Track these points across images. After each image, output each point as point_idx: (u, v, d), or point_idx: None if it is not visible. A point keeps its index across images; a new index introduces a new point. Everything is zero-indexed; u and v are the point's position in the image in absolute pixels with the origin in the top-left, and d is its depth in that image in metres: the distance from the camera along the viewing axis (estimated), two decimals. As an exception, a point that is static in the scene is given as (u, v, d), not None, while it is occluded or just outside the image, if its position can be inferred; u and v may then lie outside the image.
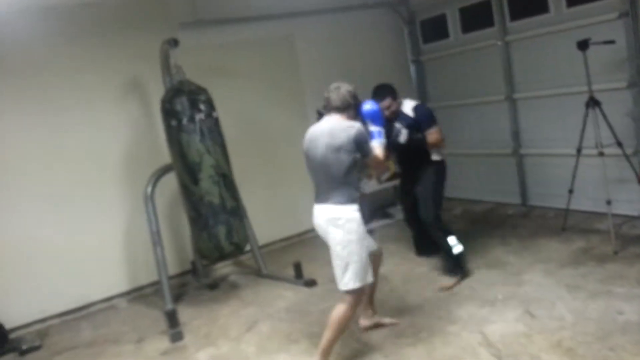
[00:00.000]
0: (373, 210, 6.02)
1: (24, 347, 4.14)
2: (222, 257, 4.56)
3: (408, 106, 4.31)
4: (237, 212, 4.43)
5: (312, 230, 6.03)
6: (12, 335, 4.38)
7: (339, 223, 3.05)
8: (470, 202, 6.19)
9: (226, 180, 4.33)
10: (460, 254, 4.16)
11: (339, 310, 3.05)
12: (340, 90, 3.20)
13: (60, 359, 3.93)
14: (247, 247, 5.00)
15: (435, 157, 4.29)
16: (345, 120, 3.14)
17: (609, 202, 4.18)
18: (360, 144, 3.04)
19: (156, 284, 4.69)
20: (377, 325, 3.54)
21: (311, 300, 4.21)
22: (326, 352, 3.09)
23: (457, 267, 4.15)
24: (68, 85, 4.69)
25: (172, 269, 4.97)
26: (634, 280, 3.59)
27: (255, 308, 4.27)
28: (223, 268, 5.36)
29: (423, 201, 4.23)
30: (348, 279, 3.04)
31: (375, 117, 3.28)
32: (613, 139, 4.27)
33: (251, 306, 4.32)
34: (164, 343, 3.90)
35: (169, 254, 4.70)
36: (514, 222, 5.31)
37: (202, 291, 4.84)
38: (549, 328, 3.17)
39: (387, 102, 4.18)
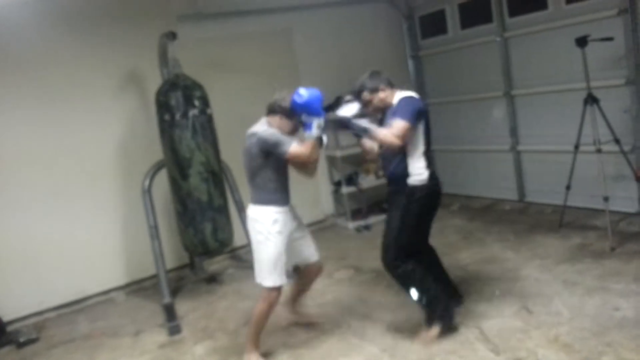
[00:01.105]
0: (370, 206, 6.04)
1: (21, 339, 4.13)
2: (207, 253, 4.61)
3: (397, 98, 3.27)
4: (223, 210, 4.45)
5: (310, 224, 6.09)
6: (10, 328, 4.37)
7: (250, 222, 3.23)
8: (468, 198, 6.20)
9: (215, 177, 4.35)
10: (431, 302, 3.23)
11: (257, 304, 3.25)
12: (275, 95, 3.26)
13: (58, 352, 3.92)
14: (244, 242, 5.02)
15: (413, 179, 3.17)
16: (265, 124, 3.20)
17: (606, 199, 4.20)
18: (264, 149, 3.09)
19: (154, 277, 4.68)
20: (300, 322, 3.69)
21: (309, 295, 4.19)
22: (251, 345, 3.28)
23: (431, 316, 3.24)
24: (65, 78, 4.67)
25: (170, 262, 4.97)
26: (630, 276, 3.61)
27: (253, 302, 4.20)
28: (220, 262, 5.36)
29: (383, 240, 3.32)
30: (258, 275, 3.21)
31: (308, 107, 2.98)
32: (611, 136, 4.28)
33: (249, 300, 4.31)
34: (161, 336, 3.91)
35: (166, 248, 4.70)
36: (511, 218, 5.33)
37: (200, 285, 4.85)
38: (546, 323, 3.19)
39: (365, 94, 3.31)
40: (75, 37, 4.69)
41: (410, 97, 3.23)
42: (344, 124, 3.26)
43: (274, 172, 3.17)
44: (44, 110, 4.60)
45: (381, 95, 3.27)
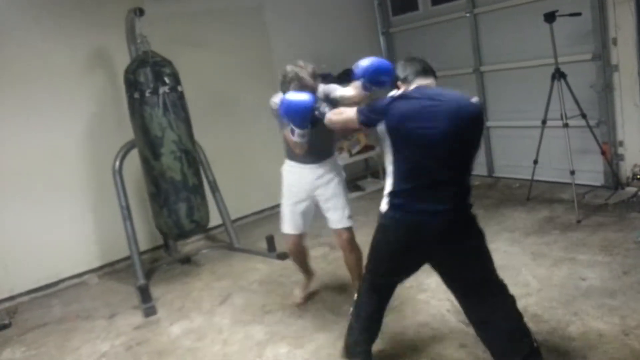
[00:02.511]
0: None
1: (-7, 325, 4.08)
2: (182, 234, 4.51)
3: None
4: (198, 189, 4.39)
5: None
6: (-20, 314, 4.31)
7: None
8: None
9: (188, 156, 4.28)
10: (349, 328, 2.81)
11: None
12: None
13: (31, 336, 3.89)
14: (219, 222, 5.02)
15: (382, 205, 2.52)
16: None
17: (572, 173, 4.30)
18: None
19: (127, 259, 4.65)
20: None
21: (284, 273, 4.25)
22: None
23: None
24: (29, 57, 4.52)
25: (144, 244, 4.94)
26: (596, 247, 3.73)
27: (229, 281, 4.29)
28: (195, 242, 5.35)
29: None
30: None
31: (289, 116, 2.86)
32: (577, 111, 4.38)
33: (224, 279, 4.34)
34: (137, 318, 3.90)
35: (140, 229, 4.67)
36: (480, 193, 5.42)
37: (175, 266, 4.83)
38: (515, 294, 3.23)
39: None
40: (39, 14, 4.55)
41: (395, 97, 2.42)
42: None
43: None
44: (6, 90, 4.44)
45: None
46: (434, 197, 2.33)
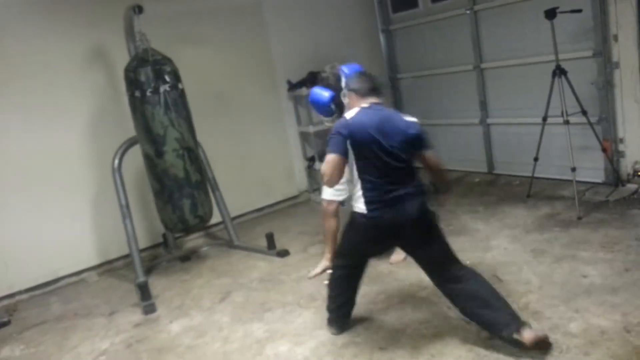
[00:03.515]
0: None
1: (-7, 323, 4.07)
2: (187, 230, 4.57)
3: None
4: (201, 185, 4.40)
5: (283, 201, 6.10)
6: (-21, 312, 4.30)
7: None
8: (439, 171, 6.26)
9: (191, 153, 4.29)
10: (328, 298, 3.22)
11: None
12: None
13: (30, 334, 3.87)
14: (219, 219, 5.00)
15: (359, 206, 2.87)
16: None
17: (573, 169, 4.29)
18: None
19: (127, 257, 4.64)
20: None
21: (284, 270, 4.24)
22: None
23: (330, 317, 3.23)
24: (27, 55, 4.51)
25: (143, 241, 4.93)
26: (597, 244, 3.72)
27: (228, 279, 4.28)
28: (195, 240, 5.34)
29: None
30: None
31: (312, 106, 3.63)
32: (578, 108, 4.36)
33: (224, 277, 4.33)
34: (136, 315, 3.89)
35: (139, 227, 4.66)
36: (481, 190, 5.41)
37: (174, 263, 4.82)
38: (516, 292, 3.27)
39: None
40: (37, 11, 4.54)
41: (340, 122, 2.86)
42: None
43: None
44: (5, 88, 4.43)
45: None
46: (398, 186, 2.80)
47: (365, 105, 2.90)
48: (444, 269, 2.91)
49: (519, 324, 2.66)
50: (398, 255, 3.93)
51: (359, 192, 2.84)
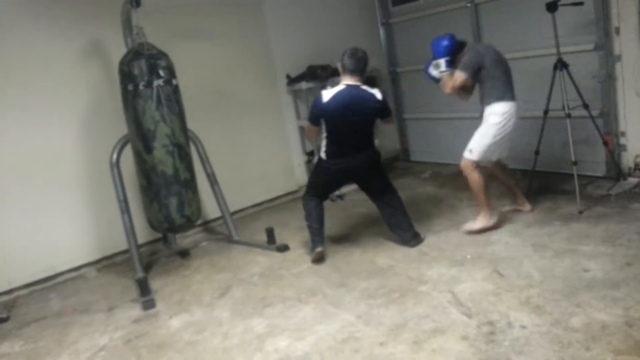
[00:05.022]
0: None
1: (-9, 318, 4.06)
2: (172, 229, 4.46)
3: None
4: (190, 184, 4.33)
5: (283, 195, 6.08)
6: (-22, 308, 4.28)
7: None
8: (439, 165, 6.25)
9: (181, 150, 4.22)
10: (309, 228, 4.27)
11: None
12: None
13: (29, 330, 3.86)
14: (218, 214, 4.98)
15: (322, 154, 4.15)
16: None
17: (575, 163, 4.27)
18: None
19: (126, 252, 4.62)
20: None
21: (284, 265, 4.22)
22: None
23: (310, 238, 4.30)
24: (22, 48, 4.46)
25: (143, 237, 4.90)
26: (598, 238, 3.70)
27: (228, 274, 4.26)
28: (194, 235, 5.32)
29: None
30: None
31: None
32: (579, 101, 4.34)
33: (224, 272, 4.31)
34: (135, 311, 3.87)
35: (138, 222, 4.63)
36: (482, 185, 5.38)
37: (174, 258, 4.80)
38: (517, 286, 3.25)
39: None
40: (33, 5, 4.49)
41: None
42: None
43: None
44: (0, 83, 4.40)
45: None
46: (353, 147, 4.03)
47: (342, 86, 3.93)
48: (382, 195, 4.21)
49: (418, 240, 4.16)
50: (472, 224, 4.23)
51: (323, 144, 4.08)
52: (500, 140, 4.08)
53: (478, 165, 4.11)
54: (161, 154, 4.13)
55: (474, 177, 4.11)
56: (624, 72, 4.50)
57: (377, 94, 3.95)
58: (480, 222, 4.17)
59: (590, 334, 2.67)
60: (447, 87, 4.12)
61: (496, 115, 4.02)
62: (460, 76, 4.02)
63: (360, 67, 3.95)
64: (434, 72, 4.23)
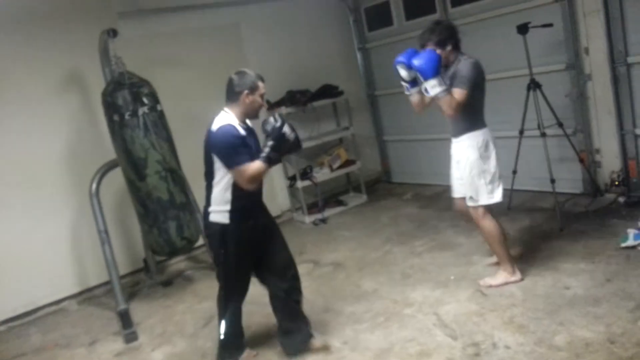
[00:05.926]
0: (325, 199, 6.05)
1: (-31, 357, 3.96)
2: (174, 252, 4.49)
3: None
4: (186, 206, 4.35)
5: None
6: (-45, 346, 4.18)
7: None
8: (420, 186, 6.29)
9: (174, 175, 4.24)
10: (223, 342, 3.22)
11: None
12: None
13: (9, 368, 3.78)
14: (200, 242, 4.94)
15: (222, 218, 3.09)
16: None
17: (553, 181, 4.33)
18: None
19: (107, 284, 4.56)
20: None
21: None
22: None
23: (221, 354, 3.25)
24: (2, 77, 4.46)
25: (124, 267, 4.84)
26: (579, 255, 3.74)
27: (211, 302, 4.15)
28: (177, 264, 5.27)
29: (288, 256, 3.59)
30: None
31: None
32: (554, 120, 4.42)
33: (207, 301, 4.26)
34: (117, 344, 3.81)
35: (119, 253, 4.58)
36: (462, 204, 5.42)
37: (156, 289, 4.74)
38: (500, 306, 3.27)
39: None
40: (11, 37, 4.49)
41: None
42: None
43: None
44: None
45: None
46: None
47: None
48: None
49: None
50: (491, 279, 3.62)
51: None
52: (495, 166, 3.64)
53: (489, 211, 3.58)
54: (155, 181, 4.13)
55: (486, 226, 3.56)
56: (595, 90, 4.61)
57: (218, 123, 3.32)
58: (501, 277, 3.57)
59: (573, 352, 2.69)
60: (449, 108, 3.40)
61: (472, 149, 3.60)
62: (461, 93, 3.35)
63: (229, 92, 3.45)
64: (429, 91, 3.42)
